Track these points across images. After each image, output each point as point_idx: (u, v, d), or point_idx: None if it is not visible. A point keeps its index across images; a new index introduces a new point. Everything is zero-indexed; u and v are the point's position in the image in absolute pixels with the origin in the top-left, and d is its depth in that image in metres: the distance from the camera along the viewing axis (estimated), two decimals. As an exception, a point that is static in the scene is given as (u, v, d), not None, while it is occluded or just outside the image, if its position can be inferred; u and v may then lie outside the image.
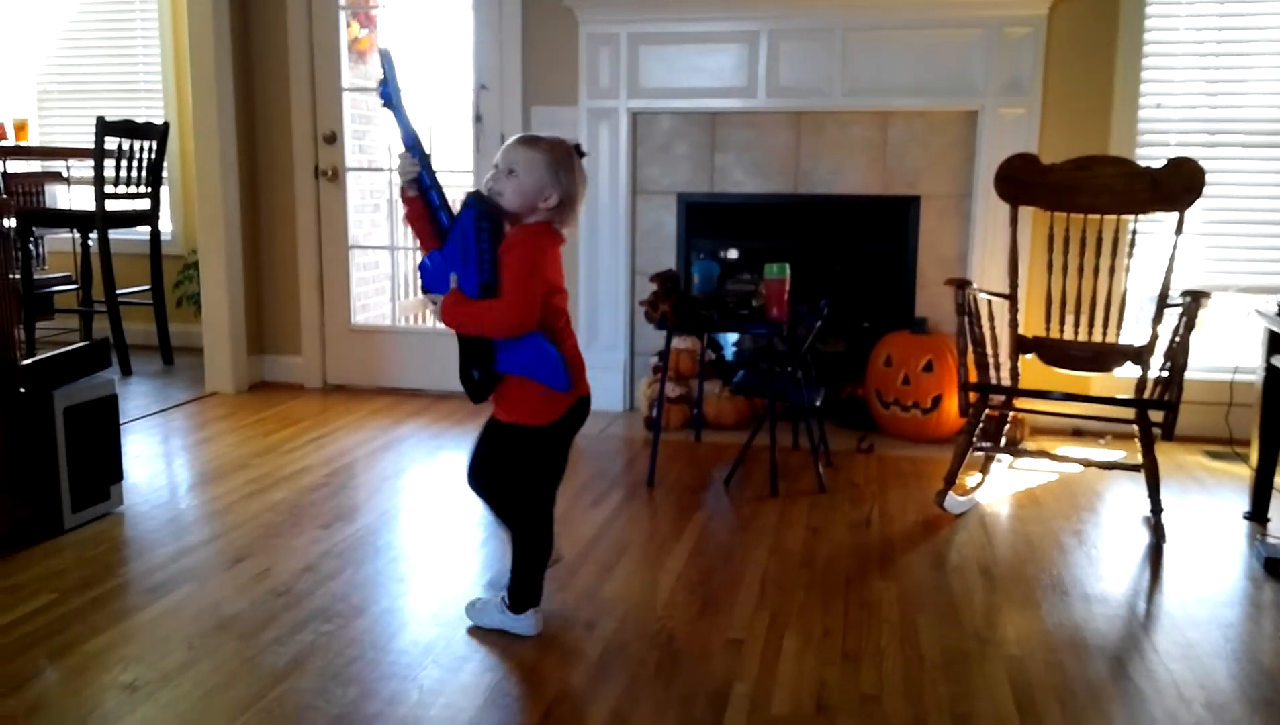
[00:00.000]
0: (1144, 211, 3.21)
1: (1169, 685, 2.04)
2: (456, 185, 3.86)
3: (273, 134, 4.51)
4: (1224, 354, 3.79)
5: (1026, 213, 3.57)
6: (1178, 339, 2.86)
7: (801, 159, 4.07)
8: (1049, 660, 2.13)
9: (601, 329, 4.25)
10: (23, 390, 2.76)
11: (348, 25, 4.50)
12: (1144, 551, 2.78)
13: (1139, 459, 2.91)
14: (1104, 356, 3.21)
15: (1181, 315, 2.88)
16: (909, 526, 2.94)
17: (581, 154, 2.13)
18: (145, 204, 4.91)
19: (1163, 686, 2.03)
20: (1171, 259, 3.12)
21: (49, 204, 5.45)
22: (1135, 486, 3.18)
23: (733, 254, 4.05)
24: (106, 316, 4.81)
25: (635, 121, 4.17)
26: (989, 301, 3.33)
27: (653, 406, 3.90)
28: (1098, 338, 3.27)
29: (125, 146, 4.68)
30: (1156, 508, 2.87)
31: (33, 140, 5.48)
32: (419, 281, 2.19)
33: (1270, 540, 2.81)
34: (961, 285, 3.09)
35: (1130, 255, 3.29)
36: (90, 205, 4.73)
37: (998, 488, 3.30)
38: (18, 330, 2.80)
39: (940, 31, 3.82)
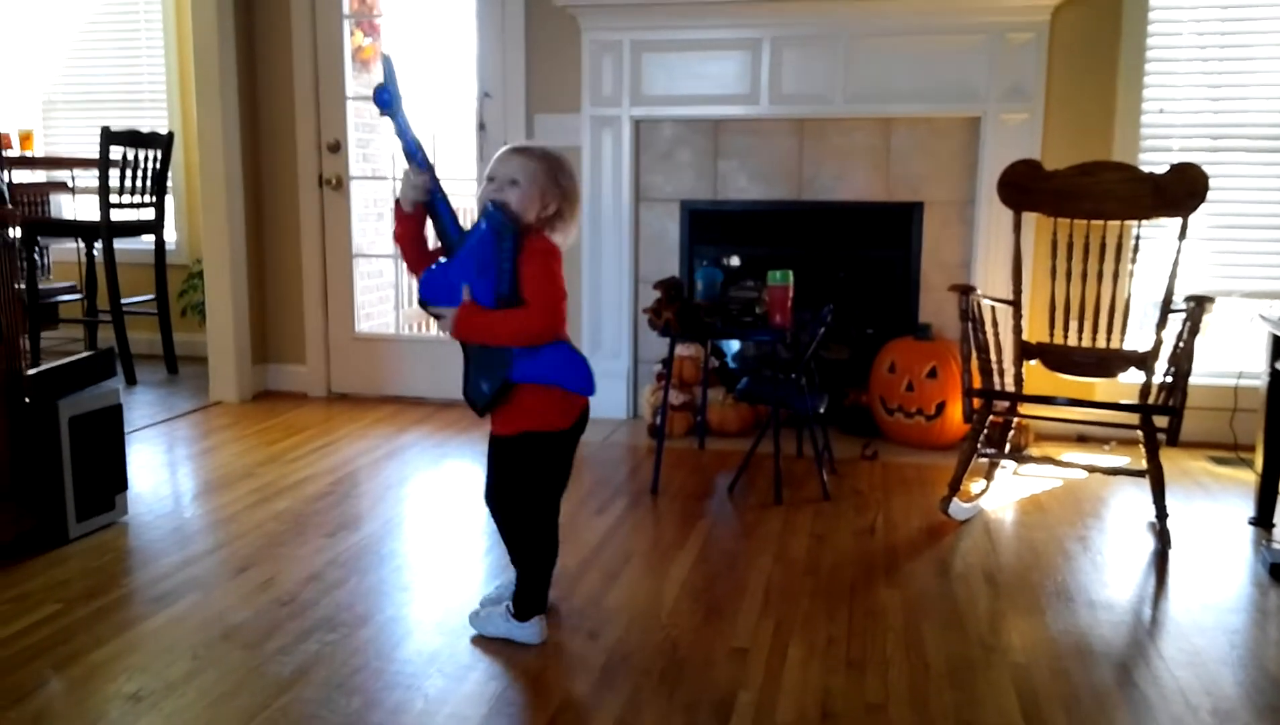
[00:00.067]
0: (1147, 217, 3.21)
1: (1175, 692, 2.03)
2: (461, 193, 3.86)
3: (277, 143, 4.53)
4: (1228, 359, 3.79)
5: (1030, 218, 3.56)
6: (1182, 344, 2.85)
7: (804, 166, 4.07)
8: (1054, 667, 2.13)
9: (605, 337, 4.25)
10: (28, 400, 2.76)
11: (351, 34, 4.51)
12: (1149, 557, 2.78)
13: (1144, 465, 2.90)
14: (1108, 362, 3.21)
15: (1185, 320, 2.88)
16: (913, 533, 2.94)
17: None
18: (150, 213, 4.92)
19: (1169, 693, 2.02)
20: (1175, 264, 3.11)
21: (54, 214, 5.46)
22: (1140, 492, 3.17)
23: (734, 261, 4.06)
24: (111, 326, 4.83)
25: (638, 129, 4.17)
26: (992, 307, 3.32)
27: (656, 414, 3.90)
28: (1102, 343, 3.26)
29: (130, 156, 4.70)
30: (1161, 513, 2.86)
31: (38, 150, 5.50)
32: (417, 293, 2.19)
33: (1275, 546, 2.79)
34: (965, 291, 3.08)
35: (1134, 261, 3.28)
36: (95, 215, 4.74)
37: (1002, 494, 3.29)
38: (23, 340, 2.80)
39: (942, 38, 3.82)
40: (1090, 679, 2.08)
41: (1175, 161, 3.17)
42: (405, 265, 2.22)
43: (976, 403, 3.05)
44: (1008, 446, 3.38)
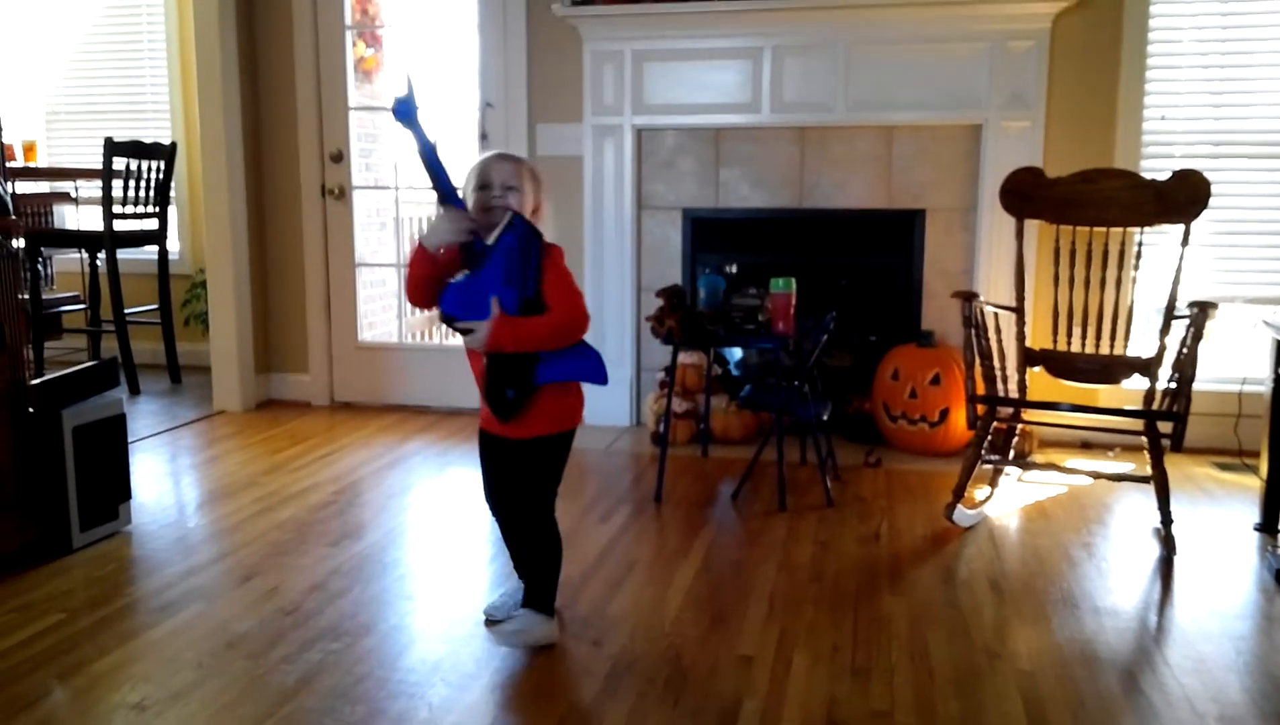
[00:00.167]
0: (1150, 224, 3.21)
1: (1181, 699, 2.02)
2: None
3: (279, 153, 4.54)
4: (1232, 365, 3.78)
5: (1032, 225, 3.57)
6: (1185, 350, 2.85)
7: (806, 173, 4.07)
8: (1060, 674, 2.12)
9: (607, 344, 4.25)
10: (32, 410, 2.77)
11: (354, 45, 4.53)
12: (1154, 564, 2.77)
13: (1148, 471, 2.90)
14: (1111, 368, 3.21)
15: (1189, 327, 2.88)
16: (918, 541, 2.93)
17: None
18: (153, 224, 4.93)
19: (1175, 700, 2.02)
20: (1178, 271, 3.11)
21: (57, 224, 5.48)
22: (1144, 498, 3.17)
23: (731, 269, 4.05)
24: (115, 336, 4.83)
25: (640, 138, 4.18)
26: (995, 314, 3.32)
27: (659, 422, 3.90)
28: (1105, 350, 3.26)
29: (133, 167, 4.71)
30: (1166, 520, 2.86)
31: (41, 161, 5.52)
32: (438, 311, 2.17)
33: (1281, 552, 2.79)
34: (968, 298, 3.09)
35: (1137, 267, 3.29)
36: (98, 225, 4.75)
37: (1006, 501, 3.29)
38: (26, 350, 2.81)
39: (943, 45, 3.83)
40: (1096, 686, 2.07)
41: (1177, 168, 3.17)
42: (410, 296, 2.18)
43: (980, 409, 3.05)
44: (1012, 453, 3.38)
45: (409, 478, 3.56)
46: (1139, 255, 3.27)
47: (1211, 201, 3.12)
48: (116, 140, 4.61)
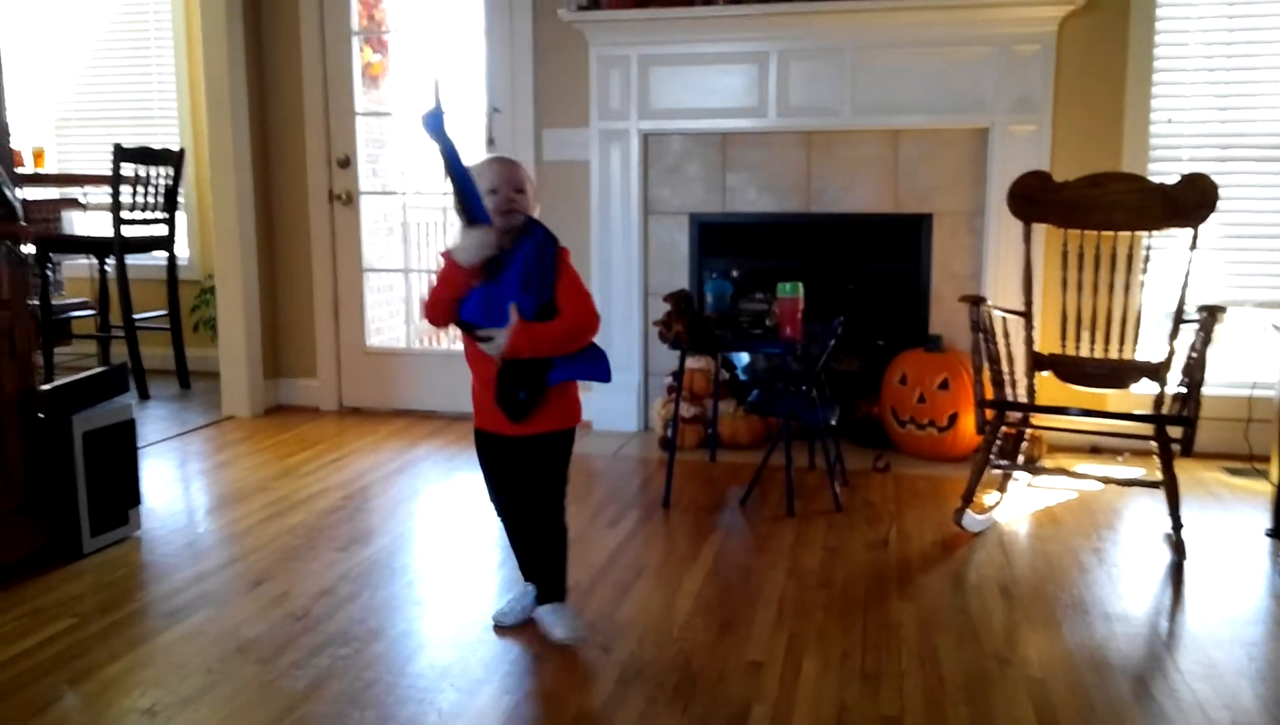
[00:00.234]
0: (1158, 227, 3.20)
1: (1193, 706, 2.01)
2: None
3: (287, 159, 4.55)
4: (1242, 369, 3.77)
5: (1040, 229, 3.56)
6: (1195, 354, 2.84)
7: (813, 178, 4.07)
8: (1071, 680, 2.11)
9: (615, 349, 4.24)
10: (42, 415, 2.78)
11: (360, 50, 4.54)
12: (1165, 569, 2.76)
13: (1158, 476, 2.89)
14: (1121, 373, 3.20)
15: (1198, 331, 2.87)
16: (927, 546, 2.93)
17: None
18: (162, 230, 4.95)
19: (1187, 707, 2.01)
20: (1186, 274, 3.10)
21: (66, 230, 5.50)
22: (1155, 503, 3.16)
23: (733, 274, 4.06)
24: (124, 342, 4.85)
25: (646, 142, 4.18)
26: (1004, 318, 3.32)
27: (667, 427, 3.90)
28: (1114, 354, 3.25)
29: (142, 173, 4.73)
30: (1177, 525, 2.85)
31: (50, 167, 5.54)
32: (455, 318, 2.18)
33: (1293, 557, 2.78)
34: (976, 302, 3.08)
35: (1145, 271, 3.28)
36: (107, 231, 4.77)
37: (1016, 506, 3.28)
38: (36, 356, 2.82)
39: (950, 49, 3.83)
40: (1107, 692, 2.07)
41: (1185, 172, 3.16)
42: (431, 315, 2.18)
43: (989, 414, 3.04)
44: (1021, 458, 3.37)
45: (417, 483, 3.56)
46: (1147, 259, 3.26)
47: (1220, 205, 3.11)
48: (125, 146, 4.63)
